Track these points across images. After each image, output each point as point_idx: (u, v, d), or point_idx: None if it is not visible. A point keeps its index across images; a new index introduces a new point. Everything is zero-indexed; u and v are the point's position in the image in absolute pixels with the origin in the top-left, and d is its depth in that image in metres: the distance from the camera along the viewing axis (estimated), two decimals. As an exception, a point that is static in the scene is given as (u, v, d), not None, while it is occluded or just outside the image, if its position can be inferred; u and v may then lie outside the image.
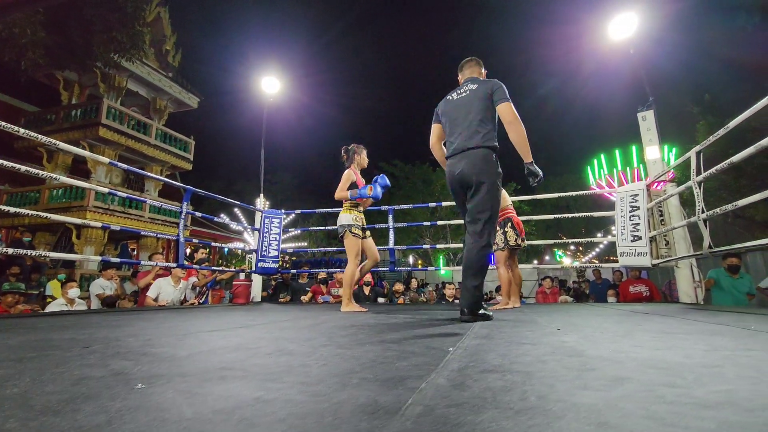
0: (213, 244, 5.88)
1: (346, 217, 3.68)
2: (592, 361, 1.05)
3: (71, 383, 0.84)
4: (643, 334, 1.62)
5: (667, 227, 4.61)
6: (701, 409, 0.63)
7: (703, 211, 3.66)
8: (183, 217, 4.42)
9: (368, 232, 3.90)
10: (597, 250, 26.08)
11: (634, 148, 17.43)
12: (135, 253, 15.12)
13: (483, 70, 2.75)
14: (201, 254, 6.20)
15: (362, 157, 3.98)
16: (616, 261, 5.21)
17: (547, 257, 29.16)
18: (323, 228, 6.59)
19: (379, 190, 3.60)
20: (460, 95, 2.56)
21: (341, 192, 3.71)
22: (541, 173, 2.40)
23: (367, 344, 1.43)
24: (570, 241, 6.31)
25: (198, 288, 5.37)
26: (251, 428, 0.56)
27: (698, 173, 3.65)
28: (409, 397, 0.72)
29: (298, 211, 7.09)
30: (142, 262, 4.49)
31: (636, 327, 1.90)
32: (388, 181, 3.72)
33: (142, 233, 4.23)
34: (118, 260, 4.15)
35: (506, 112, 2.36)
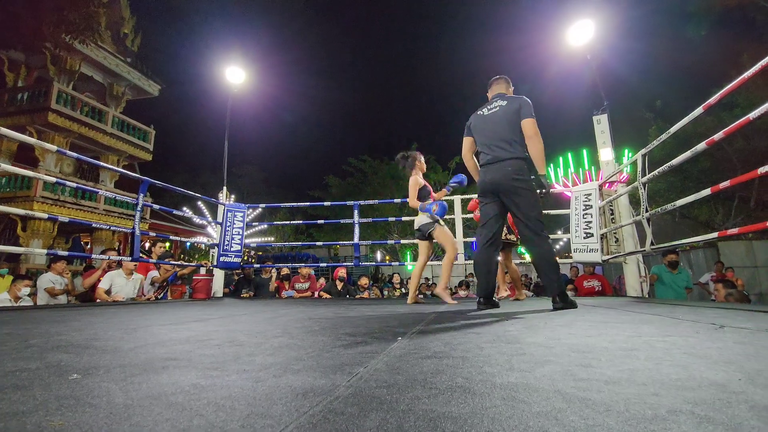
0: (172, 237, 5.68)
1: (424, 217, 3.75)
2: (527, 347, 1.13)
3: (1, 375, 0.82)
4: (582, 323, 1.73)
5: (616, 225, 4.89)
6: (603, 385, 0.70)
7: (646, 211, 3.92)
8: (139, 209, 4.25)
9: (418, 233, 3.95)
10: (558, 246, 27.16)
11: (584, 152, 18.26)
12: (89, 246, 14.35)
13: (511, 87, 2.98)
14: (160, 248, 5.97)
15: (422, 163, 4.06)
16: (572, 257, 5.47)
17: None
18: (288, 222, 6.50)
19: (439, 213, 3.63)
20: (492, 110, 2.79)
21: (413, 201, 3.80)
22: (549, 186, 2.67)
23: (320, 335, 1.45)
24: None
25: (158, 283, 5.19)
26: (181, 411, 0.58)
27: (643, 175, 3.91)
28: (345, 381, 0.75)
29: (263, 205, 6.97)
30: (94, 256, 4.29)
31: (578, 318, 2.02)
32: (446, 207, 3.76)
33: (94, 225, 4.04)
34: (66, 254, 3.94)
35: (529, 127, 2.61)
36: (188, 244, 19.24)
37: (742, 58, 11.71)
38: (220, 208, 5.68)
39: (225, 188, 6.40)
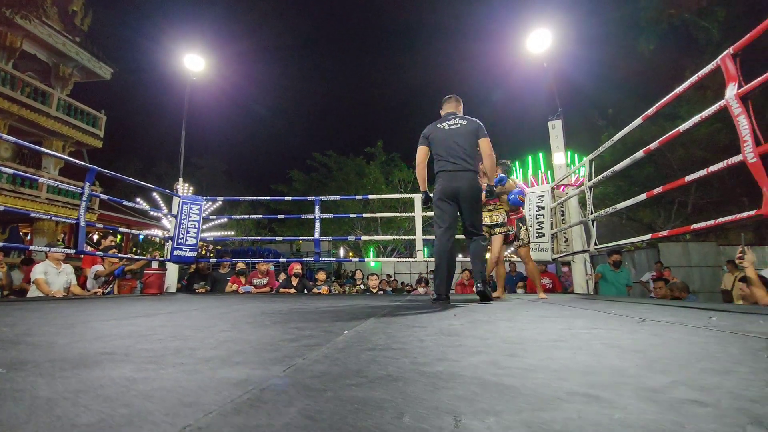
0: (121, 230, 5.40)
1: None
2: (464, 339, 1.20)
3: None
4: (523, 318, 1.84)
5: (566, 225, 5.16)
6: (521, 372, 0.77)
7: (591, 213, 4.18)
8: (85, 199, 4.03)
9: (497, 230, 3.94)
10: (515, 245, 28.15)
11: (540, 155, 19.10)
12: (29, 238, 13.35)
13: (461, 106, 3.39)
14: (109, 241, 5.67)
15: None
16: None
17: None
18: (248, 216, 6.36)
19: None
20: (452, 126, 3.18)
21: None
22: (495, 191, 3.39)
23: (270, 329, 1.46)
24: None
25: (102, 277, 4.92)
26: (107, 402, 0.58)
27: (590, 179, 4.15)
28: (280, 372, 0.77)
29: (222, 199, 6.78)
30: (33, 248, 4.02)
31: (522, 312, 2.14)
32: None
33: (33, 215, 3.78)
34: (1, 244, 3.67)
35: (486, 145, 3.15)
36: (141, 236, 18.35)
37: (686, 73, 12.64)
38: (175, 200, 5.47)
39: (181, 179, 6.17)
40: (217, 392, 0.63)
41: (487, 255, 4.30)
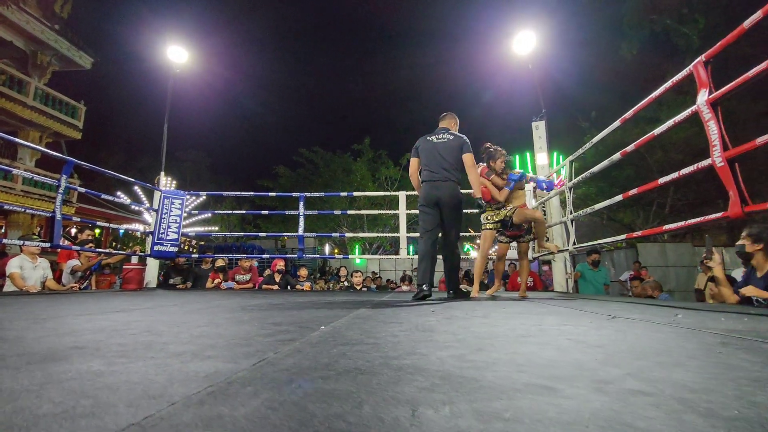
0: (100, 223, 5.29)
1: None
2: (437, 335, 1.22)
3: None
4: (498, 314, 1.88)
5: (547, 224, 5.26)
6: (485, 365, 0.79)
7: (571, 213, 4.28)
8: (61, 191, 3.94)
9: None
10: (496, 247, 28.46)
11: (528, 155, 19.34)
12: (3, 231, 12.95)
13: (456, 123, 3.62)
14: (86, 235, 5.54)
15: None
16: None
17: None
18: (231, 212, 6.29)
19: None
20: (440, 140, 3.43)
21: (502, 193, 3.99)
22: (482, 203, 3.53)
23: (246, 325, 1.46)
24: (476, 234, 6.86)
25: (79, 272, 4.81)
26: (71, 394, 0.59)
27: (570, 180, 4.24)
28: (249, 365, 0.79)
29: (205, 193, 6.69)
30: (5, 241, 3.91)
31: (498, 310, 2.19)
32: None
33: (6, 207, 3.68)
34: (-28, 238, 3.56)
35: (468, 160, 3.36)
36: (121, 231, 17.99)
37: (666, 77, 12.94)
38: (156, 194, 5.38)
39: (163, 173, 6.07)
40: (184, 385, 0.64)
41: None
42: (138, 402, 0.55)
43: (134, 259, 5.35)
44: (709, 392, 0.61)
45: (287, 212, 5.83)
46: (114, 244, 17.91)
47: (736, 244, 2.83)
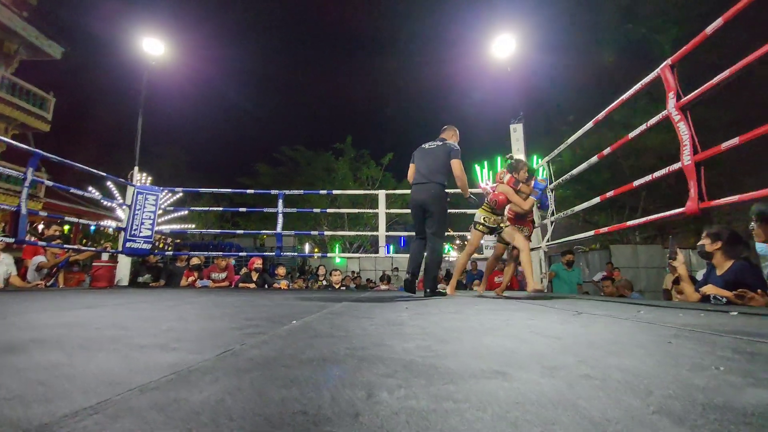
0: (68, 218, 5.09)
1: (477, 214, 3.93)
2: (407, 328, 1.24)
3: None
4: (470, 311, 1.92)
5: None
6: (447, 355, 0.82)
7: (552, 214, 4.39)
8: (27, 185, 3.79)
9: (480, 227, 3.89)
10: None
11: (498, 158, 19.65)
12: (-36, 226, 12.33)
13: (455, 135, 3.76)
14: (53, 230, 5.34)
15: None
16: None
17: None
18: (208, 209, 6.17)
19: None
20: (430, 147, 3.61)
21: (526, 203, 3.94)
22: (475, 201, 3.74)
23: (217, 321, 1.45)
24: (455, 234, 6.95)
25: (46, 269, 4.63)
26: (26, 382, 0.58)
27: (550, 182, 4.36)
28: (214, 355, 0.79)
29: (180, 189, 6.54)
30: (-34, 236, 3.73)
31: (471, 306, 2.23)
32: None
33: (-33, 201, 3.51)
34: (-71, 232, 3.39)
35: (456, 166, 3.52)
36: (93, 227, 17.41)
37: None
38: (130, 190, 5.24)
39: (137, 168, 5.91)
40: (145, 374, 0.64)
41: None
42: (94, 389, 0.55)
43: (105, 257, 5.20)
44: (651, 377, 0.64)
45: (266, 210, 5.77)
46: (84, 241, 17.31)
47: (698, 244, 2.96)
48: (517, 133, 6.28)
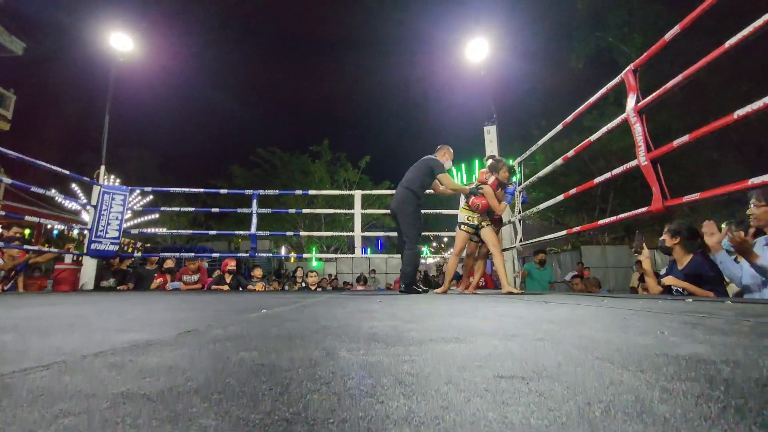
0: (28, 218, 4.85)
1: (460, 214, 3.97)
2: (377, 314, 1.26)
3: None
4: (441, 302, 1.95)
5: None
6: (411, 330, 0.84)
7: (519, 213, 4.50)
8: (-17, 182, 3.60)
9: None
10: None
11: (476, 162, 20.09)
12: None
13: (447, 155, 3.94)
14: (13, 232, 5.08)
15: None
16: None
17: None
18: (179, 209, 6.01)
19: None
20: (415, 163, 3.83)
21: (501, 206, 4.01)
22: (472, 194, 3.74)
23: (184, 313, 1.42)
24: (431, 234, 7.00)
25: (3, 272, 4.40)
26: (-28, 355, 0.56)
27: (520, 183, 4.47)
28: (176, 334, 0.78)
29: (151, 189, 6.35)
30: None
31: (444, 299, 2.27)
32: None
33: None
34: None
35: (444, 180, 3.75)
36: (56, 232, 16.66)
37: (608, 92, 13.96)
38: (95, 190, 5.05)
39: (103, 167, 5.70)
40: (101, 347, 0.63)
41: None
42: (47, 357, 0.54)
43: (68, 259, 4.99)
44: (602, 341, 0.68)
45: (239, 210, 5.68)
46: (47, 245, 16.52)
47: (659, 239, 3.10)
48: (491, 134, 6.41)
